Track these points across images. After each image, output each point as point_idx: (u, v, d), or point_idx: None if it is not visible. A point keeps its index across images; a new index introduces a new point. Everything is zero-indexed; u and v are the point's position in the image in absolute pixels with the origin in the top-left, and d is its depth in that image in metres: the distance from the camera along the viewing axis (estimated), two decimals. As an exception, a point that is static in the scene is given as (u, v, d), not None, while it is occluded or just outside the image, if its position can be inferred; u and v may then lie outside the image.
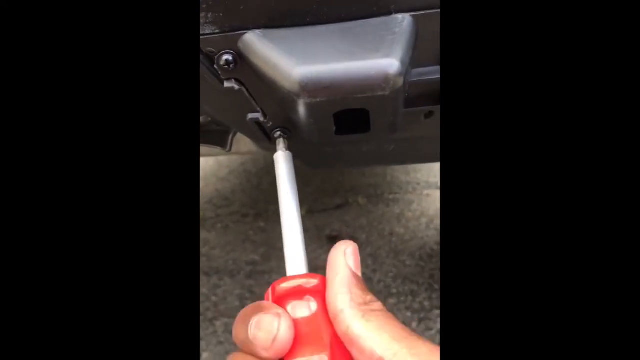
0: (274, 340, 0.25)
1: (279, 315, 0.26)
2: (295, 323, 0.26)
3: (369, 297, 0.26)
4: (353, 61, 0.25)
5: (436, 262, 1.13)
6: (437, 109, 0.33)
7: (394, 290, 1.05)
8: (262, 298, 0.29)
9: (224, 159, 1.71)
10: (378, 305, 0.26)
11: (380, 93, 0.25)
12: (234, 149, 0.47)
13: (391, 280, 1.08)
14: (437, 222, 1.30)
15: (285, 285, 0.28)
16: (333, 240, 1.25)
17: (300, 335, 0.26)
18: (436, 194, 1.46)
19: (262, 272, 1.15)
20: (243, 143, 0.59)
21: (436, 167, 1.59)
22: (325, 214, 1.38)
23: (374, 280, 1.09)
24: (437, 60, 0.31)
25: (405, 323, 0.99)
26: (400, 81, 0.25)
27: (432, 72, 0.31)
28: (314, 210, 1.39)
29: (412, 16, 0.29)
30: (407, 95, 0.32)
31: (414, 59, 0.30)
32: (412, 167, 1.63)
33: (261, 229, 1.33)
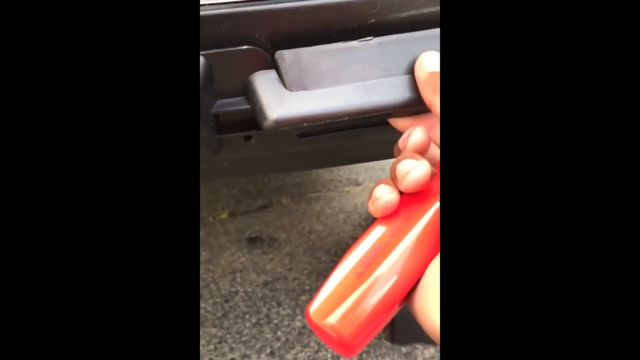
0: (406, 175, 0.31)
1: (420, 161, 0.32)
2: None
3: None
4: None
5: (349, 257, 1.19)
6: (254, 133, 0.37)
7: (307, 287, 1.10)
8: None
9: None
10: None
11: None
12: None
13: (305, 277, 1.13)
14: (354, 217, 1.36)
15: None
16: (253, 242, 1.28)
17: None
18: (355, 190, 1.52)
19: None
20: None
21: (357, 164, 1.65)
22: (247, 215, 1.40)
23: (289, 279, 1.13)
24: (242, 92, 0.35)
25: (315, 318, 1.04)
26: None
27: (240, 102, 0.35)
28: (236, 212, 1.41)
29: (206, 55, 0.32)
30: (217, 123, 0.36)
31: (211, 93, 0.34)
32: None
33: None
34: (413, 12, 0.36)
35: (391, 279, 0.30)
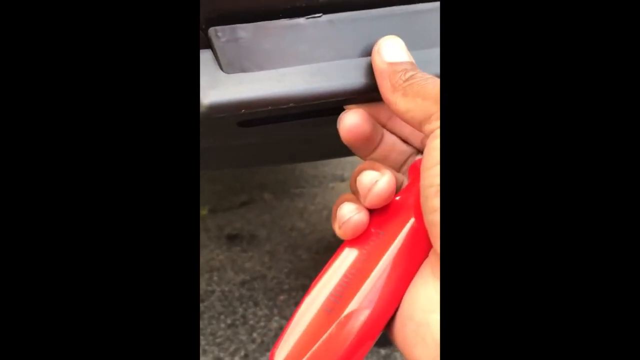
0: (370, 190, 0.28)
1: (382, 172, 0.29)
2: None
3: (408, 74, 0.28)
4: None
5: (331, 255, 1.16)
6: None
7: (286, 286, 1.06)
8: None
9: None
10: (414, 75, 0.28)
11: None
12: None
13: (284, 276, 1.09)
14: (337, 214, 1.33)
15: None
16: (233, 239, 1.24)
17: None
18: (340, 186, 1.48)
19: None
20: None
21: (343, 160, 1.62)
22: (228, 212, 1.37)
23: (268, 278, 1.09)
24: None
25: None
26: None
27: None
28: (218, 209, 1.38)
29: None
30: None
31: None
32: (320, 161, 1.65)
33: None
34: None
35: (365, 313, 0.27)
